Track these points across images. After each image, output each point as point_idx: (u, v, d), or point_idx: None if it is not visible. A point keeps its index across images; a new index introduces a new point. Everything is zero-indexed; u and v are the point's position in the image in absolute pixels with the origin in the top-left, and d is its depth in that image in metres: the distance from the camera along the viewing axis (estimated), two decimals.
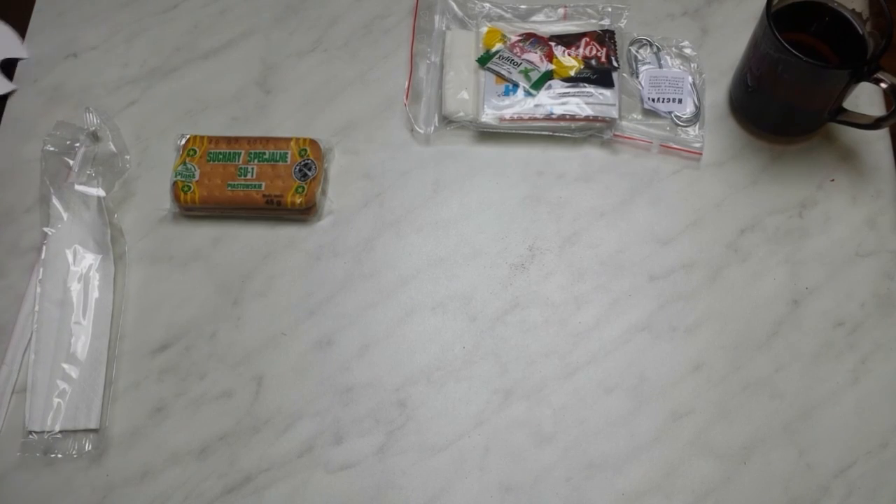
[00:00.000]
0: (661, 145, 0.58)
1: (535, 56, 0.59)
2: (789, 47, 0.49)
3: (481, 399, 0.52)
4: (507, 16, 0.62)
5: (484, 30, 0.61)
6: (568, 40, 0.60)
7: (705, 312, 0.54)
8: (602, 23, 0.61)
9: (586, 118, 0.57)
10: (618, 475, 0.50)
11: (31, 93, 0.62)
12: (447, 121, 0.59)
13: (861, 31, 0.52)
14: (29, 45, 0.64)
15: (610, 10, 0.62)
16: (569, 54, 0.59)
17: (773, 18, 0.50)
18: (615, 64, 0.59)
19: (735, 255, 0.56)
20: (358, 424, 0.52)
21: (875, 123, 0.54)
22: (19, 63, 0.63)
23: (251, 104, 0.61)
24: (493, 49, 0.60)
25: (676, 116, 0.59)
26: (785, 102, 0.56)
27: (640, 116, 0.59)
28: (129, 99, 0.62)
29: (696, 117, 0.59)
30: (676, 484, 0.50)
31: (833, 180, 0.58)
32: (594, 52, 0.59)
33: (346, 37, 0.64)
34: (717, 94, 0.61)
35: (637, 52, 0.61)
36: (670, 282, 0.55)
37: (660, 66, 0.60)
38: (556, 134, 0.58)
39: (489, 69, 0.59)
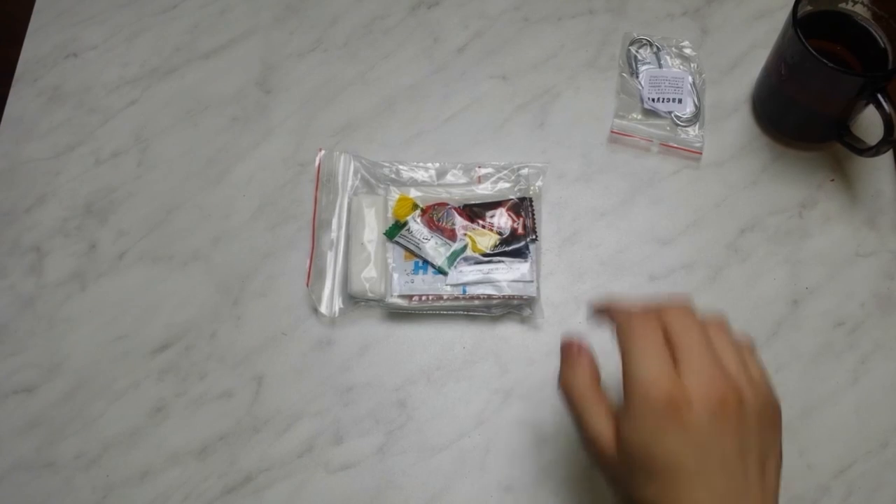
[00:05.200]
0: (661, 144, 0.58)
1: (447, 229, 0.54)
2: (810, 48, 0.49)
3: (481, 399, 0.52)
4: (420, 179, 0.57)
5: (394, 198, 0.55)
6: (482, 211, 0.55)
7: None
8: (518, 187, 0.56)
9: (502, 297, 0.53)
10: None
11: (31, 93, 0.62)
12: (354, 300, 0.54)
13: (883, 45, 0.52)
14: (29, 45, 0.64)
15: (526, 171, 0.57)
16: (483, 226, 0.54)
17: (802, 24, 0.50)
18: (532, 235, 0.54)
19: (735, 255, 0.56)
20: (358, 424, 0.52)
21: (872, 149, 0.53)
22: (19, 63, 0.63)
23: (251, 104, 0.61)
24: (403, 220, 0.54)
25: (676, 116, 0.59)
26: (805, 107, 0.56)
27: (640, 116, 0.59)
28: (129, 99, 0.62)
29: (697, 117, 0.58)
30: None
31: (833, 180, 0.58)
32: (510, 223, 0.54)
33: (346, 37, 0.64)
34: (718, 94, 0.61)
35: (637, 51, 0.61)
36: (670, 282, 0.55)
37: (660, 65, 0.60)
38: (471, 313, 0.54)
39: (397, 243, 0.54)
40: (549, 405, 0.52)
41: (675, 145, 0.58)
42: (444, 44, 0.63)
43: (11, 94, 0.62)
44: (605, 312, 0.41)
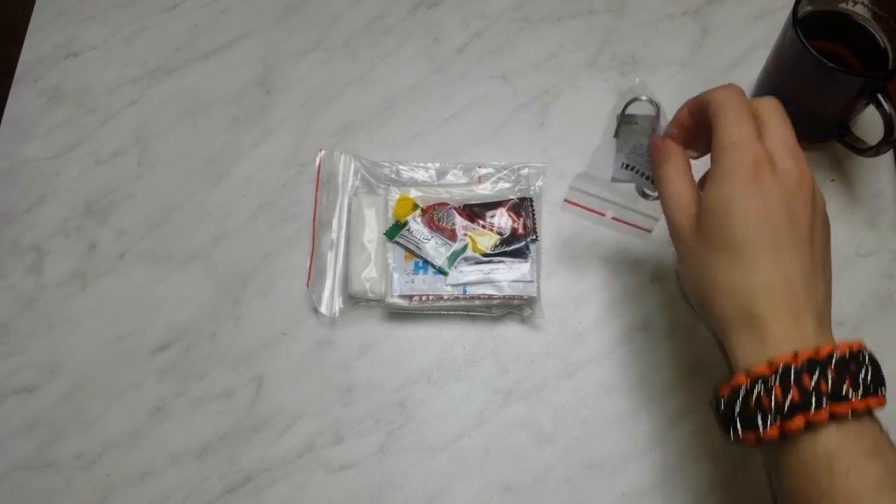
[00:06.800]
0: (614, 218, 0.51)
1: (447, 229, 0.54)
2: (810, 48, 0.49)
3: (481, 399, 0.52)
4: (420, 179, 0.57)
5: (394, 198, 0.55)
6: (483, 210, 0.55)
7: None
8: (519, 187, 0.56)
9: (503, 297, 0.53)
10: (618, 475, 0.50)
11: (31, 93, 0.62)
12: (354, 300, 0.54)
13: (883, 46, 0.52)
14: (29, 45, 0.64)
15: (526, 171, 0.56)
16: (484, 226, 0.54)
17: (802, 24, 0.50)
18: (533, 236, 0.54)
19: None
20: (358, 424, 0.52)
21: (872, 149, 0.53)
22: (19, 63, 0.63)
23: (251, 104, 0.61)
24: (403, 220, 0.54)
25: (642, 191, 0.49)
26: (805, 107, 0.56)
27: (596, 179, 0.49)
28: (129, 99, 0.62)
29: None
30: (676, 484, 0.50)
31: (833, 180, 0.58)
32: (510, 223, 0.54)
33: (346, 37, 0.64)
34: None
35: (628, 108, 0.46)
36: (672, 282, 0.55)
37: (653, 131, 0.46)
38: (472, 313, 0.54)
39: (398, 243, 0.54)
40: (549, 405, 0.52)
41: (629, 221, 0.51)
42: (444, 44, 0.63)
43: (11, 94, 0.62)
44: (698, 101, 0.43)
